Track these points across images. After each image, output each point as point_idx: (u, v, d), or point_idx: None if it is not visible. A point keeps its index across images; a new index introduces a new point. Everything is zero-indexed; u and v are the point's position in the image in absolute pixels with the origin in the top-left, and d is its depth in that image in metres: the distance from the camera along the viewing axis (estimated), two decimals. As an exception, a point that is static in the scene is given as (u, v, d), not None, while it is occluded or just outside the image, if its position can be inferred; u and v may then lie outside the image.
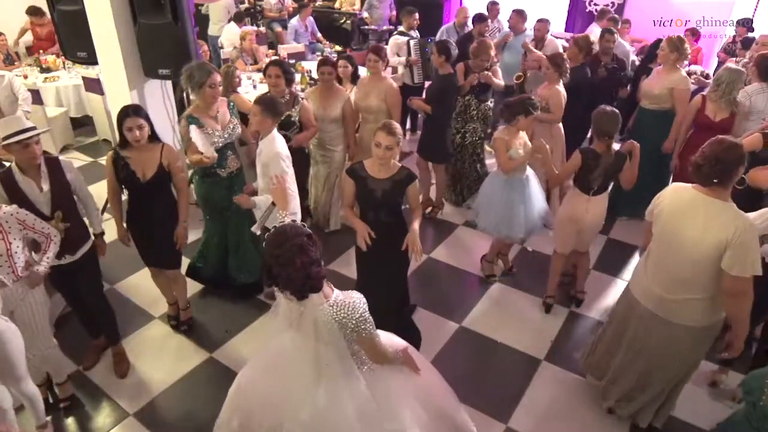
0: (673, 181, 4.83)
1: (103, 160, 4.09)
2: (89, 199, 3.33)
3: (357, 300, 2.18)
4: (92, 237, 3.38)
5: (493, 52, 5.16)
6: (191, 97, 4.81)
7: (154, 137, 3.39)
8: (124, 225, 3.57)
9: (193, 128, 3.61)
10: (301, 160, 4.45)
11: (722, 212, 2.56)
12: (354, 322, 2.14)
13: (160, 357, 3.80)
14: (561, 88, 4.77)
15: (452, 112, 5.21)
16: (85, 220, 3.39)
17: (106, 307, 3.60)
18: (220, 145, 3.76)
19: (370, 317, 2.19)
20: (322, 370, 2.28)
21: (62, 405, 3.37)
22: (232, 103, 3.93)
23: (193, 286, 4.27)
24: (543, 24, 6.44)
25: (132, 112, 3.26)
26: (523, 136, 4.08)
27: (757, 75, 4.51)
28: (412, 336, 3.68)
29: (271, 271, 2.08)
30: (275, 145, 3.50)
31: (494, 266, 4.63)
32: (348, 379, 2.32)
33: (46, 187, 3.04)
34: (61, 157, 3.20)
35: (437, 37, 6.78)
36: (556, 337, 4.00)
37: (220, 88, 3.75)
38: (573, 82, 4.97)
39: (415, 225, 3.27)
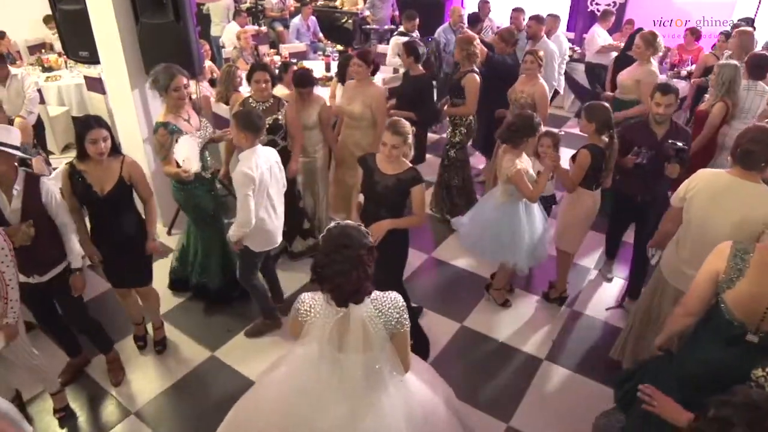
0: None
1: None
2: (67, 228, 3.07)
3: (394, 294, 2.18)
4: (66, 262, 3.14)
5: (476, 43, 4.94)
6: (192, 96, 4.85)
7: (114, 149, 3.20)
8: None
9: (185, 139, 3.54)
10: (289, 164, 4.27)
11: (763, 193, 2.73)
12: (398, 312, 2.12)
13: (161, 356, 3.80)
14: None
15: (431, 113, 5.06)
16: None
17: (89, 323, 3.45)
18: (198, 147, 3.69)
19: (405, 315, 2.16)
20: (373, 382, 2.19)
21: (58, 416, 3.29)
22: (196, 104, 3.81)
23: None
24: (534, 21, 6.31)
25: (95, 123, 3.06)
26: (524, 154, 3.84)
27: (746, 72, 4.57)
28: (420, 342, 3.68)
29: (321, 271, 2.00)
30: (244, 164, 3.32)
31: (504, 292, 4.37)
32: (398, 386, 2.27)
33: (15, 205, 2.87)
34: (44, 179, 3.01)
35: (436, 37, 6.82)
36: (558, 336, 4.00)
37: (186, 90, 3.63)
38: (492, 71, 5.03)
39: (398, 220, 3.23)
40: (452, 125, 5.04)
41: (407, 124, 3.17)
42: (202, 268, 4.14)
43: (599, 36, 7.35)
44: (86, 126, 3.06)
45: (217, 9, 9.48)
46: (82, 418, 3.35)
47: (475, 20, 6.55)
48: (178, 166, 3.58)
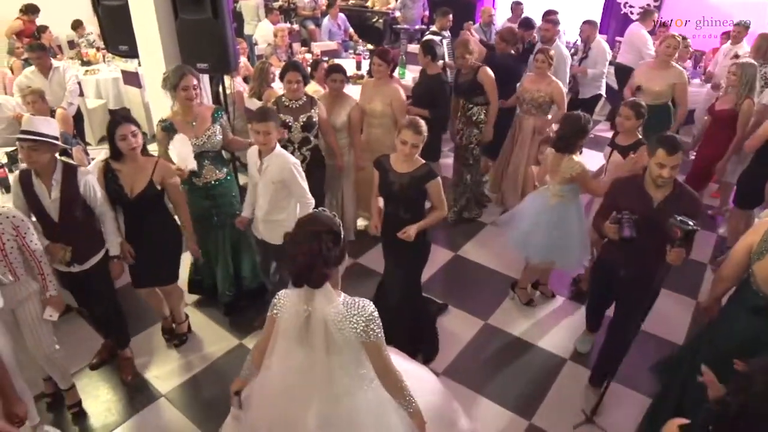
0: (690, 173, 5.04)
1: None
2: (105, 216, 3.18)
3: (366, 302, 2.09)
4: (104, 250, 3.24)
5: (472, 47, 4.95)
6: (227, 90, 4.95)
7: (146, 150, 3.27)
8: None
9: (178, 138, 3.51)
10: (317, 162, 4.36)
11: None
12: (364, 320, 2.02)
13: (190, 343, 3.91)
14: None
15: (446, 112, 5.05)
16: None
17: (117, 316, 3.51)
18: (192, 160, 3.60)
19: (380, 322, 2.07)
20: (337, 386, 2.14)
21: (71, 411, 3.32)
22: (219, 112, 3.76)
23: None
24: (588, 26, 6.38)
25: (123, 120, 3.13)
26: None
27: None
28: (427, 345, 3.75)
29: (284, 248, 2.04)
30: (288, 157, 3.43)
31: (528, 292, 4.38)
32: (362, 392, 2.19)
33: (55, 195, 2.95)
34: (81, 169, 3.07)
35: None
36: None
37: (196, 92, 3.58)
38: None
39: (423, 222, 3.26)
40: (475, 124, 5.06)
41: (424, 123, 3.20)
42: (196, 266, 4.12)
43: (647, 38, 6.91)
44: (114, 123, 3.12)
45: (248, 8, 9.66)
46: (115, 398, 3.46)
47: (527, 26, 6.46)
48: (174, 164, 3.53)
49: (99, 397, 3.47)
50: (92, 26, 8.54)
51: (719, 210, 5.63)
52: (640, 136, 3.84)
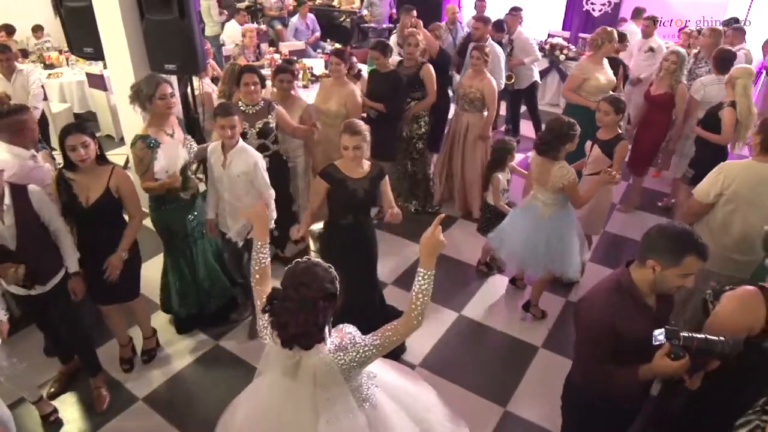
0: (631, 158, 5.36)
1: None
2: (61, 233, 2.99)
3: (352, 333, 2.06)
4: (64, 269, 3.06)
5: (419, 38, 4.99)
6: (195, 91, 4.92)
7: (102, 158, 3.08)
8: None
9: (163, 148, 3.37)
10: (280, 167, 4.27)
11: None
12: (360, 357, 1.97)
13: (167, 344, 3.89)
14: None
15: (400, 110, 5.02)
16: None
17: (83, 339, 3.31)
18: (181, 165, 3.52)
19: (367, 340, 2.02)
20: (321, 410, 2.08)
21: (50, 420, 3.23)
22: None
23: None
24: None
25: (74, 130, 2.92)
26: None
27: (714, 67, 4.89)
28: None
29: (273, 303, 1.92)
30: (252, 151, 3.44)
31: (539, 307, 4.23)
32: (348, 417, 2.10)
33: (9, 221, 2.75)
34: (30, 187, 2.86)
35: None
36: (554, 325, 4.11)
37: (173, 99, 3.46)
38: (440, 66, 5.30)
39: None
40: (415, 118, 5.15)
41: (361, 122, 3.17)
42: (181, 297, 3.86)
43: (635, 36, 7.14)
44: (65, 132, 2.94)
45: (203, 9, 9.57)
46: (90, 403, 3.40)
47: (500, 28, 6.62)
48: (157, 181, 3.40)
49: (74, 404, 3.43)
50: (52, 30, 8.39)
51: (669, 202, 5.87)
52: (621, 131, 3.98)
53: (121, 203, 3.16)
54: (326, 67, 7.15)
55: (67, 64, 7.54)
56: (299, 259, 1.98)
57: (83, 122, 3.12)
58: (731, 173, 3.13)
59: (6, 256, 2.78)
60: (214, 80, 6.07)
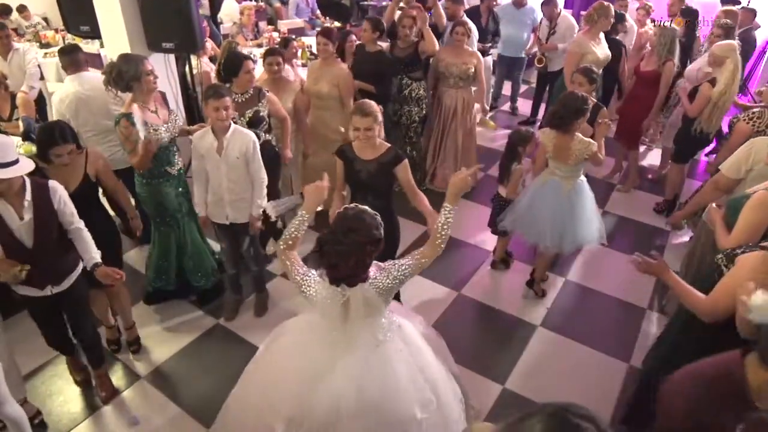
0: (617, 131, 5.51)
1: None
2: (81, 230, 2.87)
3: (386, 264, 2.28)
4: (81, 265, 2.98)
5: (412, 18, 4.86)
6: (193, 70, 4.86)
7: (77, 147, 3.10)
8: None
9: (136, 117, 3.30)
10: (271, 160, 4.00)
11: None
12: (400, 275, 2.21)
13: (169, 324, 3.92)
14: None
15: (390, 90, 4.97)
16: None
17: (92, 335, 3.25)
18: (166, 140, 3.49)
19: (402, 261, 2.27)
20: (368, 344, 2.30)
21: (36, 421, 3.11)
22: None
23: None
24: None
25: (60, 139, 2.95)
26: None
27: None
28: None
29: (323, 246, 2.09)
30: (246, 131, 3.44)
31: (542, 285, 4.28)
32: (393, 329, 2.39)
33: (27, 216, 2.66)
34: (51, 184, 2.77)
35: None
36: (552, 304, 4.14)
37: (157, 76, 3.43)
38: None
39: (429, 206, 3.18)
40: (416, 101, 5.11)
41: (373, 103, 3.08)
42: (157, 271, 3.89)
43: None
44: (51, 141, 2.95)
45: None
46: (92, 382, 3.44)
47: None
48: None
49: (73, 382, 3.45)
50: (40, 10, 8.28)
51: (657, 174, 5.92)
52: (596, 100, 4.07)
53: (98, 186, 3.25)
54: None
55: (64, 43, 7.45)
56: (348, 206, 2.23)
57: (65, 129, 3.04)
58: (762, 149, 3.12)
59: (20, 253, 2.69)
60: (212, 59, 6.02)
